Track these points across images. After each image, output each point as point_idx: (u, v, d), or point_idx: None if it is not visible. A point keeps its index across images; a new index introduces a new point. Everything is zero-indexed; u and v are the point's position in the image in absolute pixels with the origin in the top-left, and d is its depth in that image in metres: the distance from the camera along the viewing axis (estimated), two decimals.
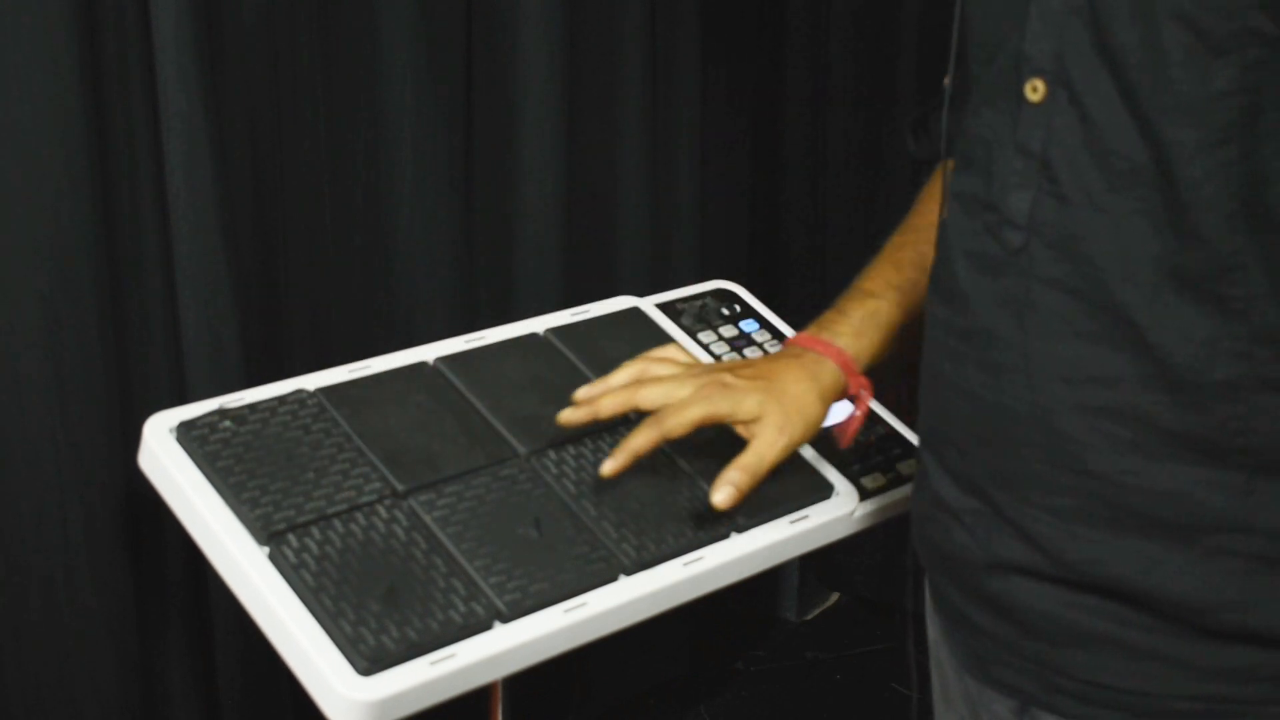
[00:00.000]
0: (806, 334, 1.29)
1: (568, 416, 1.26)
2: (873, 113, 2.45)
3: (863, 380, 1.28)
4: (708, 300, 1.59)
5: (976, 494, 1.04)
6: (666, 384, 1.24)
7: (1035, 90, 0.96)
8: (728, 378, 1.23)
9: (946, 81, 1.17)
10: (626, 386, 1.26)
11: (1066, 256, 0.96)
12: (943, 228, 1.07)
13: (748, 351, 1.54)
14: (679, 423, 1.20)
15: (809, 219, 2.52)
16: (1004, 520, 1.02)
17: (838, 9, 2.41)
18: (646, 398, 1.23)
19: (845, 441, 1.31)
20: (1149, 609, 0.98)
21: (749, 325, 1.58)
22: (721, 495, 1.20)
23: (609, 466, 1.22)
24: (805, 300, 2.50)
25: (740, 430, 1.24)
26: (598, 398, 1.25)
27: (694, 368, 1.28)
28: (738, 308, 1.60)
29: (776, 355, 1.28)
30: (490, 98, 1.93)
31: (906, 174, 2.45)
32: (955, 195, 1.05)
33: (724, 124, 2.36)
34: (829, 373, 1.25)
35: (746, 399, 1.22)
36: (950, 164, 1.21)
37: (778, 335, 1.58)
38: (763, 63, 2.42)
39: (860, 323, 1.28)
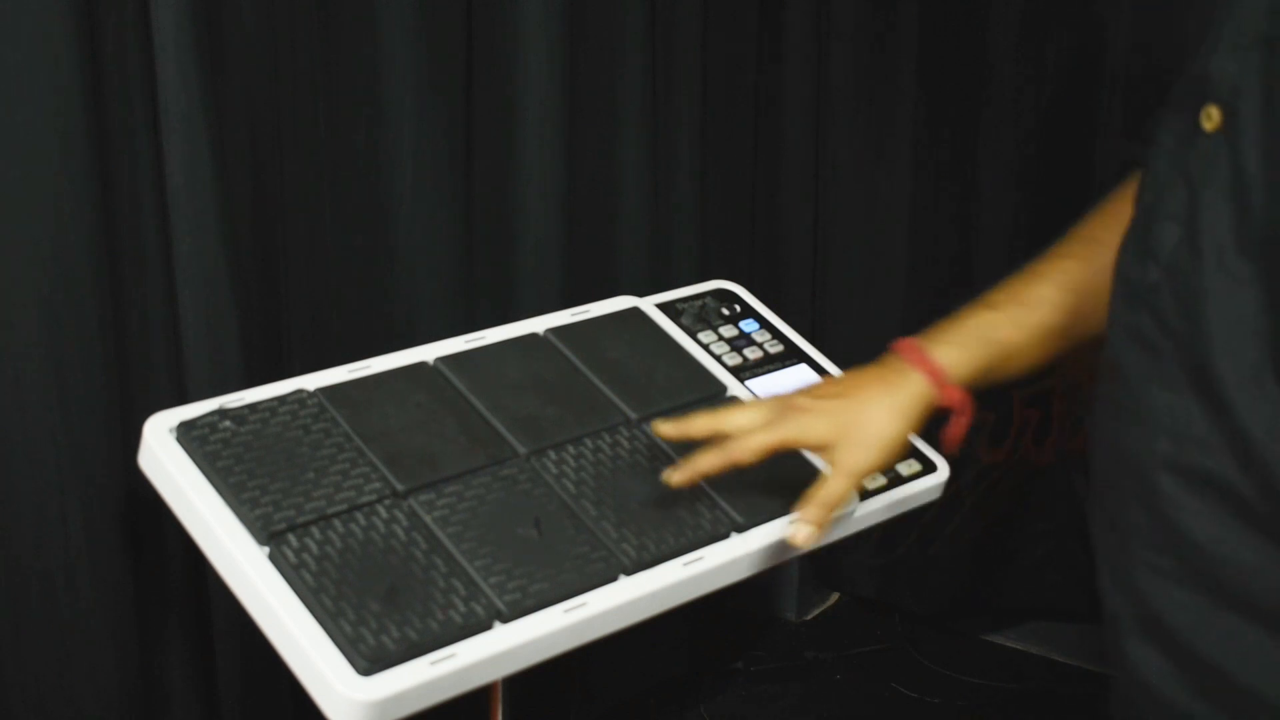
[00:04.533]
0: (909, 340, 1.23)
1: (669, 434, 1.28)
2: (873, 112, 2.45)
3: (954, 393, 1.21)
4: (708, 300, 1.59)
5: (1097, 535, 0.97)
6: (748, 410, 1.24)
7: (1210, 118, 0.87)
8: (801, 400, 1.22)
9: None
10: (713, 413, 1.26)
11: (1185, 311, 0.88)
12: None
13: (747, 351, 1.54)
14: (746, 448, 1.20)
15: (809, 219, 2.52)
16: (1110, 567, 0.95)
17: (838, 8, 2.40)
18: (729, 420, 1.23)
19: (948, 447, 1.27)
20: (1242, 708, 0.88)
21: (749, 325, 1.58)
22: (802, 534, 1.21)
23: (677, 477, 1.23)
24: (805, 300, 2.50)
25: (823, 455, 1.22)
26: (685, 421, 1.26)
27: (781, 397, 1.25)
28: (738, 308, 1.60)
29: (866, 368, 1.24)
30: (490, 98, 1.93)
31: (908, 173, 2.45)
32: (1136, 211, 0.96)
33: (724, 124, 2.35)
34: (913, 386, 1.20)
35: (816, 423, 1.20)
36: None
37: (778, 335, 1.58)
38: (763, 62, 2.42)
39: (967, 335, 1.21)
